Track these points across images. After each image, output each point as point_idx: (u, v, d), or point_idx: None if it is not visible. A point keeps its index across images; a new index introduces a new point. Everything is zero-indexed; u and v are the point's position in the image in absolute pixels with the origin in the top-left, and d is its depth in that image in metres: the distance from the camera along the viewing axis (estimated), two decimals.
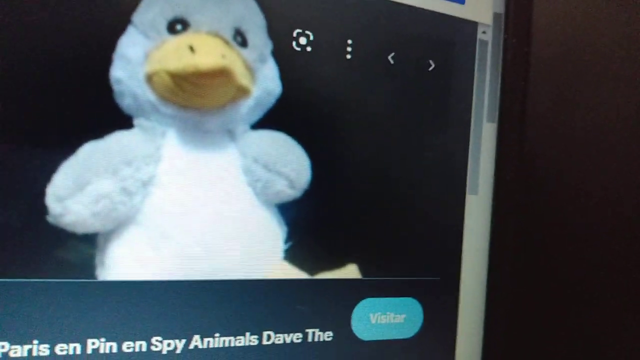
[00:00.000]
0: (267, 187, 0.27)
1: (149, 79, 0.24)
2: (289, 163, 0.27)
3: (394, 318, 0.30)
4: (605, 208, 0.31)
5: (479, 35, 0.31)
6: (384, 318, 0.30)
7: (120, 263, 0.24)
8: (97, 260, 0.24)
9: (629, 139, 0.31)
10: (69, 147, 0.23)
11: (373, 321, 0.29)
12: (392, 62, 0.29)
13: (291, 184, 0.27)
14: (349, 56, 0.28)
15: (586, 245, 0.32)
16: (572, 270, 0.32)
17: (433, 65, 0.30)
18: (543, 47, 0.32)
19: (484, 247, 0.32)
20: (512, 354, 0.32)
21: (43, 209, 0.23)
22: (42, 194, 0.23)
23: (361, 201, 0.29)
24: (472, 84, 0.31)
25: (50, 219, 0.23)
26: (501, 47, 0.32)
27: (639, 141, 0.30)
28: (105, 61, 0.24)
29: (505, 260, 0.32)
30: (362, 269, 0.29)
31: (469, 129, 0.31)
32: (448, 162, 0.31)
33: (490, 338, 0.32)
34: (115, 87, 0.24)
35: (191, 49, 0.24)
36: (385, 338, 0.30)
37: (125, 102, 0.24)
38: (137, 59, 0.24)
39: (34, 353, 0.23)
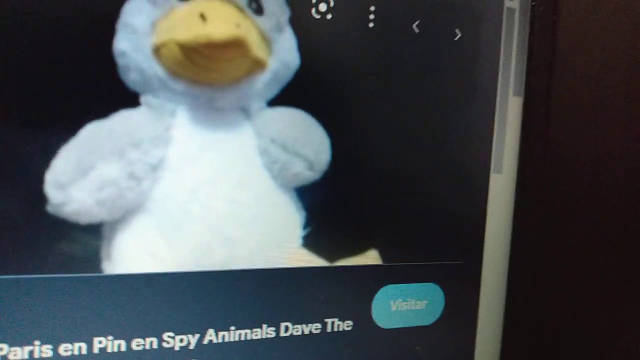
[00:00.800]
0: (285, 169, 0.25)
1: (157, 51, 0.22)
2: (308, 143, 0.25)
3: (415, 304, 0.29)
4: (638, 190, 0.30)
5: (506, 3, 0.29)
6: (404, 305, 0.28)
7: (128, 255, 0.23)
8: (103, 252, 0.22)
9: None
10: (69, 128, 0.21)
11: (394, 308, 0.28)
12: (417, 30, 0.27)
13: (310, 166, 0.25)
14: (371, 24, 0.26)
15: (617, 230, 0.30)
16: (600, 256, 0.30)
17: (459, 35, 0.28)
18: (572, 14, 0.30)
19: (507, 229, 0.31)
20: (534, 339, 0.31)
21: (42, 198, 0.21)
22: (40, 182, 0.21)
23: (382, 182, 0.27)
24: (499, 55, 0.29)
25: (50, 208, 0.21)
26: (529, 15, 0.30)
27: None
28: (108, 32, 0.22)
29: (529, 244, 0.31)
30: (383, 255, 0.27)
31: (495, 103, 0.29)
32: (472, 139, 0.29)
33: (511, 323, 0.31)
34: (119, 61, 0.22)
35: (202, 17, 0.22)
36: (406, 325, 0.29)
37: (131, 77, 0.22)
38: (144, 29, 0.22)
39: (36, 355, 0.21)
